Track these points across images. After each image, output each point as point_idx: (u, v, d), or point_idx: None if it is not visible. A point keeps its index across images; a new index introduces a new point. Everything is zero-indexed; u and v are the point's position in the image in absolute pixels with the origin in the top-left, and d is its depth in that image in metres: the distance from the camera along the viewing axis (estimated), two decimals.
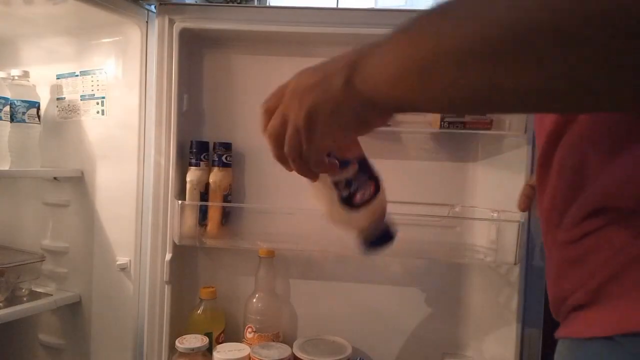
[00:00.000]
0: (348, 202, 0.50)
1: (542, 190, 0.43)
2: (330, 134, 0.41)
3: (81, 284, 1.06)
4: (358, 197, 0.50)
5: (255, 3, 1.04)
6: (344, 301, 1.02)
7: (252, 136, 1.01)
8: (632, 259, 0.34)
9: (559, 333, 0.40)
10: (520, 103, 0.30)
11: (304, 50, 0.97)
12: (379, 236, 0.53)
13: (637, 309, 0.33)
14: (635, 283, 0.34)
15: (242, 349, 0.92)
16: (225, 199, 0.96)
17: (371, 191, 0.51)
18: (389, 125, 0.94)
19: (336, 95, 0.38)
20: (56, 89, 1.07)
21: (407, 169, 0.99)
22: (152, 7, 0.94)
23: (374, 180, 0.52)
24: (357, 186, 0.51)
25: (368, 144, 1.02)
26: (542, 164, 0.42)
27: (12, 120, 0.98)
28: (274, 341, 0.96)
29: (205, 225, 0.96)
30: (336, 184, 0.50)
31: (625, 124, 0.35)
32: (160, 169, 0.94)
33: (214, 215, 0.95)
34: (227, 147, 0.96)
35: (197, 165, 0.95)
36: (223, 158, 0.95)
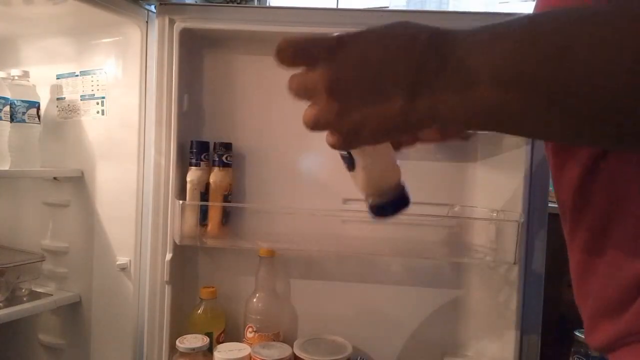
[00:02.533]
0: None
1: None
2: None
3: (81, 284, 1.06)
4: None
5: (255, 3, 1.04)
6: (344, 301, 1.02)
7: (252, 136, 1.01)
8: None
9: None
10: None
11: None
12: (400, 197, 0.48)
13: None
14: None
15: (243, 349, 0.92)
16: (226, 199, 0.96)
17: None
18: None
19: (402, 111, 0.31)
20: (56, 89, 1.07)
21: (407, 169, 0.99)
22: (152, 7, 0.94)
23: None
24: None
25: None
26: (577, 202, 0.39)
27: (12, 120, 0.98)
28: (274, 341, 0.96)
29: (206, 225, 0.96)
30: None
31: None
32: (160, 169, 0.94)
33: (214, 215, 0.96)
34: (227, 147, 0.96)
35: (197, 165, 0.95)
36: (223, 158, 0.95)
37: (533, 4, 0.48)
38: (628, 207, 0.36)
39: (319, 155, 1.00)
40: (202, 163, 0.95)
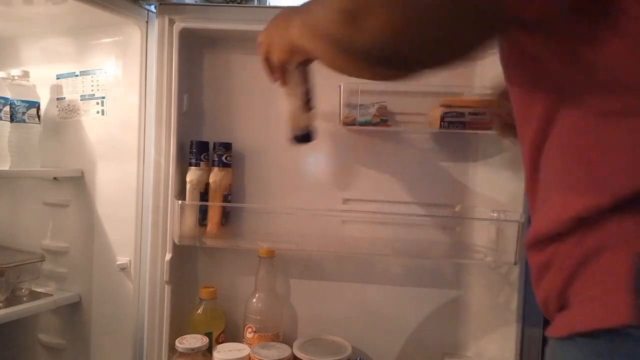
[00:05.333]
0: (306, 104, 0.76)
1: (533, 200, 0.47)
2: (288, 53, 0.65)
3: (81, 284, 1.05)
4: (310, 104, 0.76)
5: (255, 3, 1.04)
6: (344, 301, 1.02)
7: (252, 136, 1.01)
8: (579, 264, 0.39)
9: (546, 331, 0.43)
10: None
11: None
12: (306, 135, 0.78)
13: (581, 312, 0.38)
14: (583, 286, 0.39)
15: (242, 349, 0.92)
16: (225, 199, 0.96)
17: (313, 104, 0.77)
18: (389, 126, 0.94)
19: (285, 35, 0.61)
20: (56, 89, 1.07)
21: (407, 169, 0.99)
22: (152, 7, 0.94)
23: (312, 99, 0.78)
24: (310, 97, 0.76)
25: (368, 143, 1.02)
26: (531, 175, 0.46)
27: (12, 120, 0.98)
28: (274, 341, 0.96)
29: (205, 225, 0.96)
30: (302, 92, 0.76)
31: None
32: (160, 169, 0.94)
33: (214, 215, 0.96)
34: (227, 147, 0.96)
35: (197, 165, 0.95)
36: (223, 158, 0.95)
37: None
38: (579, 156, 0.39)
39: (318, 155, 1.00)
40: (201, 163, 0.95)
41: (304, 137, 0.80)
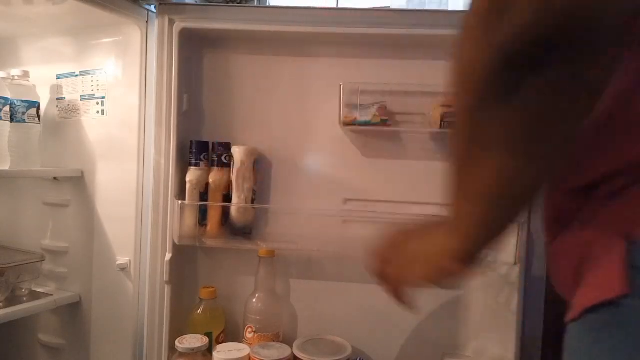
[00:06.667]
0: (251, 201, 0.93)
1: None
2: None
3: (81, 284, 1.05)
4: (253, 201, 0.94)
5: (255, 3, 1.04)
6: (344, 301, 1.02)
7: (252, 136, 1.01)
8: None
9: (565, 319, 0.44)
10: None
11: (304, 50, 0.97)
12: (245, 227, 0.96)
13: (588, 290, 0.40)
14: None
15: (242, 349, 0.92)
16: (225, 198, 0.96)
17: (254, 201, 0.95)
18: (389, 126, 0.94)
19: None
20: (56, 89, 1.07)
21: (407, 169, 0.99)
22: (152, 7, 0.94)
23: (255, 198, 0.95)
24: (255, 197, 0.93)
25: (368, 143, 1.02)
26: None
27: (12, 120, 0.98)
28: (274, 341, 0.96)
29: (205, 225, 0.96)
30: (249, 189, 0.93)
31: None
32: (160, 169, 0.94)
33: (214, 215, 0.95)
34: (226, 147, 0.96)
35: (197, 165, 0.95)
36: (222, 158, 0.95)
37: None
38: None
39: (319, 155, 1.00)
40: (201, 163, 0.95)
41: (244, 229, 0.95)
